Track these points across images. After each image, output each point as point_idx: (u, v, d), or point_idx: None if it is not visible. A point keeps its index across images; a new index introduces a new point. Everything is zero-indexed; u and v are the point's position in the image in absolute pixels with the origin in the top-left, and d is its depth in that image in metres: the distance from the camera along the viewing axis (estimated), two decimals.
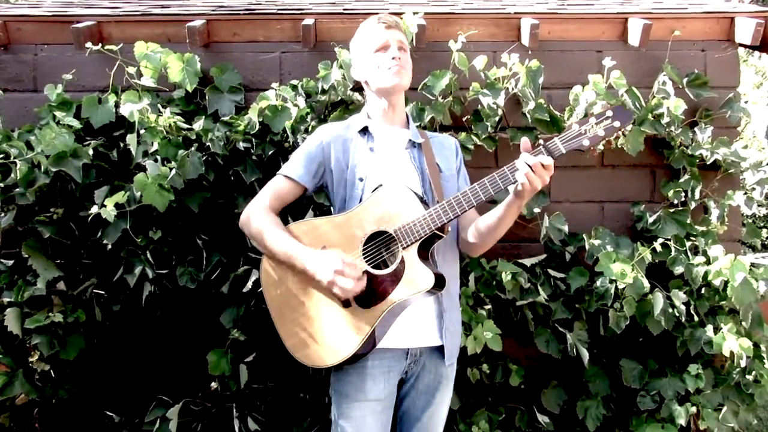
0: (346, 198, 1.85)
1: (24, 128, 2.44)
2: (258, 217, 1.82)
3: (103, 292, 2.50)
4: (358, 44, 1.95)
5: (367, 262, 1.73)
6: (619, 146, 2.58)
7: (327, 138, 1.90)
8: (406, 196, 1.72)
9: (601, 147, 1.64)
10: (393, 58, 1.84)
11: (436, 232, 1.70)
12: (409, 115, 2.02)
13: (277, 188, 1.88)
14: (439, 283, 1.70)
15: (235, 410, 2.51)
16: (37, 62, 2.73)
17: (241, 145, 2.48)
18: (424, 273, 1.67)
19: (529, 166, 1.60)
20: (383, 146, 1.88)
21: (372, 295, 1.72)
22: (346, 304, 1.74)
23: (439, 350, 1.82)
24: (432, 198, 1.81)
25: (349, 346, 1.72)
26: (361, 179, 1.83)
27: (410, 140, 1.91)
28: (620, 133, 2.51)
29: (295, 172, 1.87)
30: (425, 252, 1.73)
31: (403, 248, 1.70)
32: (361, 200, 1.80)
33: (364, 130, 1.90)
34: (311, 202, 2.47)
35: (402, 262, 1.70)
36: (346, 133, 1.92)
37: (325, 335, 1.76)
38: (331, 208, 1.94)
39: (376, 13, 2.73)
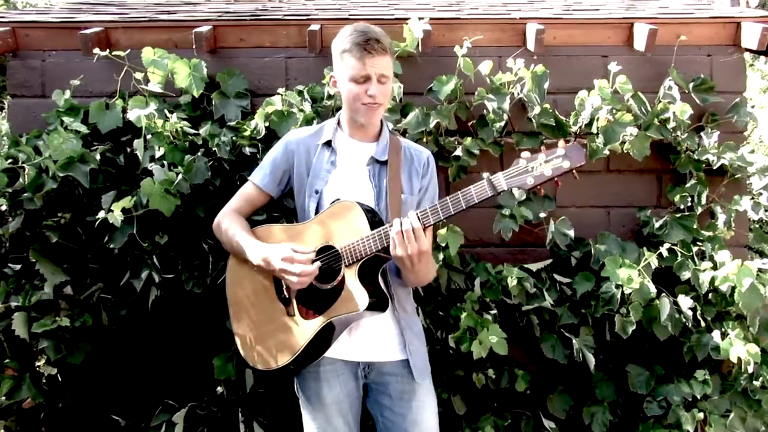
0: (304, 208, 1.89)
1: (32, 133, 2.46)
2: (225, 219, 1.94)
3: (109, 297, 2.51)
4: (336, 56, 1.83)
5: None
6: (625, 151, 2.58)
7: (292, 145, 1.94)
8: (356, 214, 1.72)
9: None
10: (370, 95, 1.77)
11: (380, 254, 1.70)
12: (384, 125, 1.96)
13: (246, 193, 1.98)
14: (378, 305, 1.72)
15: (240, 415, 2.51)
16: (45, 68, 2.75)
17: (248, 150, 2.49)
18: (360, 294, 1.68)
19: (398, 228, 1.60)
20: (345, 161, 1.89)
21: (313, 307, 1.76)
22: (289, 312, 1.80)
23: (404, 363, 1.83)
24: (386, 217, 1.79)
25: (283, 357, 1.79)
26: (317, 192, 1.85)
27: (372, 157, 1.88)
28: (624, 138, 2.54)
29: (260, 179, 1.95)
30: (374, 271, 1.74)
31: (346, 266, 1.72)
32: (317, 212, 1.84)
33: (328, 143, 1.91)
34: None
35: (342, 279, 1.72)
36: (311, 142, 1.93)
37: (267, 341, 1.84)
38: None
39: (381, 19, 2.77)
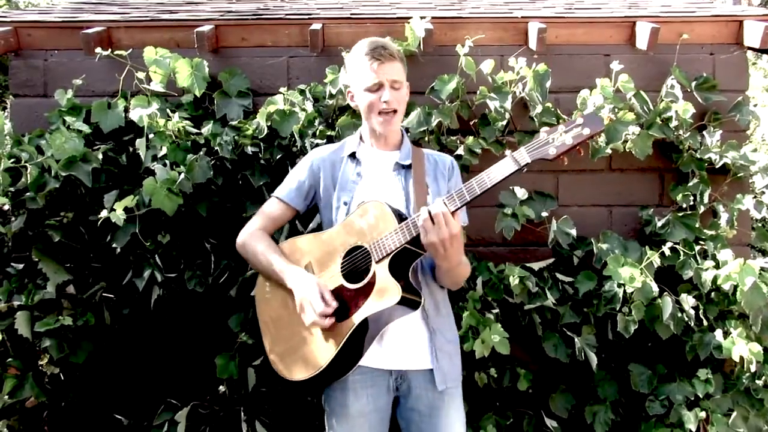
0: (332, 220, 1.90)
1: (34, 133, 2.46)
2: (251, 240, 1.93)
3: (112, 296, 2.51)
4: (351, 69, 1.89)
5: (344, 274, 1.77)
6: (627, 150, 2.57)
7: (317, 162, 1.97)
8: (382, 210, 1.73)
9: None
10: (385, 102, 1.80)
11: (412, 248, 1.70)
12: (404, 134, 2.00)
13: (270, 210, 1.98)
14: (410, 301, 1.69)
15: (242, 413, 2.51)
16: (48, 67, 2.75)
17: (250, 150, 2.49)
18: (393, 286, 1.66)
19: (429, 213, 1.60)
20: (371, 171, 1.91)
21: (346, 308, 1.74)
22: None
23: (431, 373, 1.79)
24: None
25: (320, 361, 1.76)
26: (345, 203, 1.87)
27: (397, 162, 1.91)
28: (626, 137, 2.54)
29: (286, 194, 1.97)
30: (404, 268, 1.73)
31: (376, 262, 1.71)
32: None
33: (353, 155, 1.93)
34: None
35: (373, 276, 1.71)
36: (335, 157, 1.96)
37: (299, 350, 1.81)
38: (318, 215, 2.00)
39: (383, 18, 2.77)
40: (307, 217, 2.43)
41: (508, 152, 1.62)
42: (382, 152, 1.94)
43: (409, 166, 1.89)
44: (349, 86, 1.94)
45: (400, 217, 1.72)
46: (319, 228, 2.14)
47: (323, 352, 1.75)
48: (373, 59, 1.78)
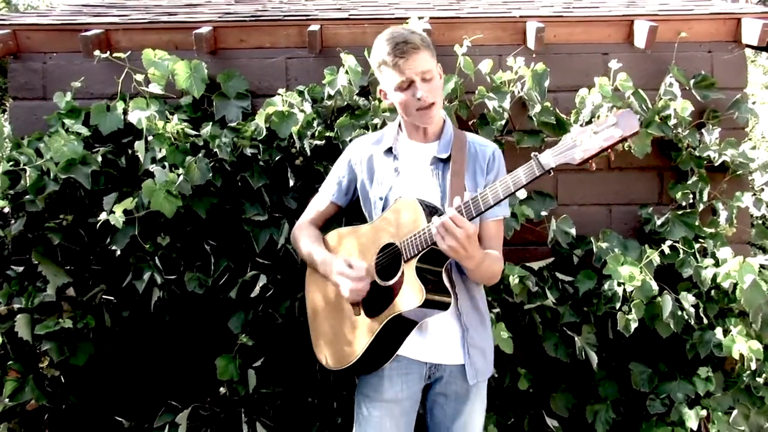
0: (372, 216, 1.91)
1: (33, 136, 2.46)
2: (299, 230, 2.02)
3: (112, 298, 2.51)
4: (376, 71, 1.82)
5: (378, 270, 1.76)
6: (626, 149, 2.57)
7: (355, 157, 1.97)
8: (414, 209, 1.70)
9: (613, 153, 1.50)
10: (419, 99, 1.73)
11: (436, 247, 1.64)
12: (446, 120, 1.93)
13: (317, 205, 2.05)
14: (437, 303, 1.68)
15: (243, 415, 2.51)
16: (46, 70, 2.75)
17: (248, 151, 2.49)
18: (414, 290, 1.65)
19: (439, 221, 1.56)
20: (407, 165, 1.87)
21: (378, 304, 1.74)
22: (356, 312, 1.79)
23: (463, 368, 1.80)
24: None
25: (350, 356, 1.79)
26: (381, 198, 1.86)
27: (434, 156, 1.85)
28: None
29: (329, 192, 2.02)
30: (436, 266, 1.71)
31: (405, 261, 1.70)
32: None
33: (390, 150, 1.90)
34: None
35: (402, 275, 1.70)
36: (373, 151, 1.94)
37: (338, 341, 1.86)
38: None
39: (381, 19, 2.77)
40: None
41: (533, 154, 1.54)
42: (420, 145, 1.89)
43: (446, 160, 1.84)
44: (380, 85, 1.86)
45: (431, 213, 1.69)
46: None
47: (355, 345, 1.79)
48: (396, 57, 1.70)
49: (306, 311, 2.02)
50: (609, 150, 1.46)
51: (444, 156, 1.84)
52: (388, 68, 1.74)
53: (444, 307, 1.70)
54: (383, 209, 1.84)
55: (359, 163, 1.95)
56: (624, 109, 1.47)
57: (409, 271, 1.68)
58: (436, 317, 1.74)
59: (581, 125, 1.53)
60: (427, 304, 1.65)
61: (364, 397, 1.84)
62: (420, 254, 1.66)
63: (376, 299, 1.75)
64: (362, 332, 1.77)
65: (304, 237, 1.98)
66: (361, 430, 1.81)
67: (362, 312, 1.77)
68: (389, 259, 1.76)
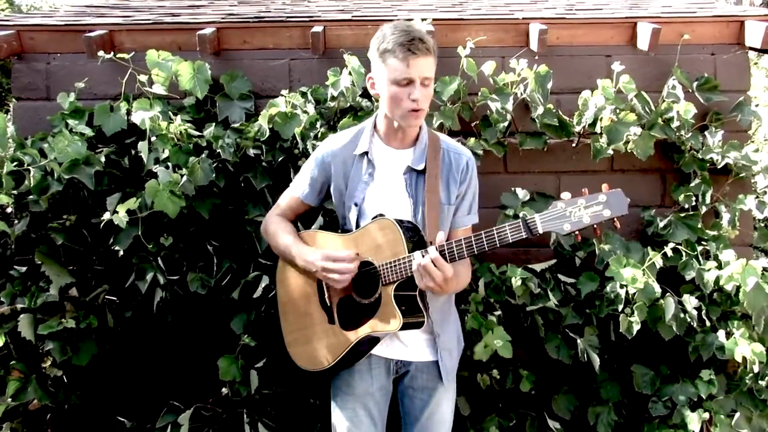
0: (345, 218, 1.91)
1: (37, 136, 2.47)
2: (271, 222, 2.02)
3: (115, 298, 2.52)
4: (377, 56, 1.74)
5: (354, 285, 1.80)
6: (629, 151, 2.57)
7: (328, 157, 1.93)
8: (395, 234, 1.72)
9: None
10: (413, 100, 1.69)
11: None
12: (423, 128, 1.89)
13: (289, 201, 2.04)
14: (412, 325, 1.75)
15: (245, 416, 2.51)
16: (50, 71, 2.76)
17: (252, 152, 2.49)
18: (393, 316, 1.71)
19: (419, 263, 1.63)
20: (382, 172, 1.86)
21: (353, 318, 1.80)
22: (330, 321, 1.85)
23: (434, 364, 1.88)
24: (424, 228, 1.79)
25: (322, 362, 1.87)
26: (355, 204, 1.85)
27: (408, 166, 1.84)
28: (628, 138, 2.53)
29: (300, 190, 2.00)
30: (411, 289, 1.75)
31: (383, 285, 1.74)
32: (357, 225, 1.85)
33: (365, 154, 1.87)
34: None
35: (380, 297, 1.75)
36: (347, 153, 1.89)
37: (309, 343, 1.91)
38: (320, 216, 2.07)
39: (384, 20, 2.76)
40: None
41: (521, 214, 1.61)
42: (395, 151, 1.86)
43: (421, 171, 1.82)
44: (371, 73, 1.81)
45: (412, 238, 1.73)
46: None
47: (328, 353, 1.86)
48: (409, 52, 1.64)
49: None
50: (595, 227, 1.53)
51: (419, 167, 1.82)
52: (394, 59, 1.66)
53: (418, 326, 1.78)
54: (358, 215, 1.85)
55: (333, 164, 1.91)
56: (615, 189, 1.52)
57: (386, 295, 1.74)
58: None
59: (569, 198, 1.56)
60: (403, 327, 1.72)
61: (337, 390, 1.92)
62: (399, 282, 1.72)
63: (351, 311, 1.80)
64: (336, 342, 1.84)
65: (278, 227, 1.97)
66: (338, 422, 1.88)
67: (337, 322, 1.83)
68: (366, 277, 1.79)
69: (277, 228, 1.97)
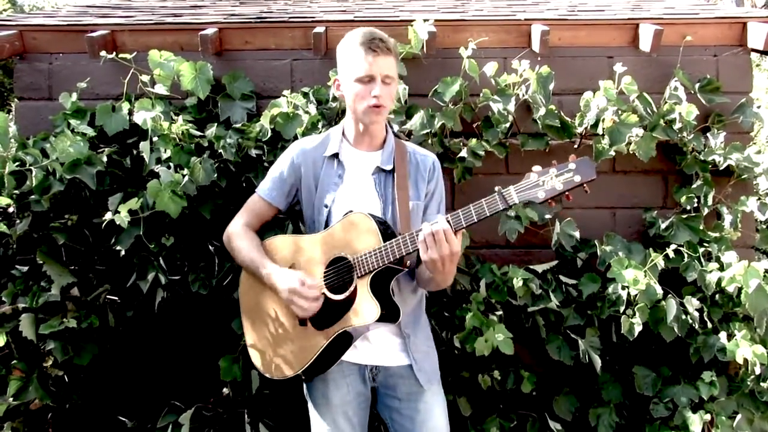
0: (314, 220, 1.90)
1: (39, 136, 2.47)
2: (235, 236, 1.96)
3: (116, 298, 2.52)
4: (342, 58, 1.84)
5: (326, 284, 1.78)
6: (631, 152, 2.57)
7: (298, 159, 1.94)
8: (368, 226, 1.73)
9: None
10: (374, 96, 1.76)
11: (395, 267, 1.72)
12: (389, 130, 1.95)
13: (254, 207, 2.00)
14: (388, 317, 1.72)
15: (246, 416, 2.52)
16: (52, 71, 2.76)
17: (253, 152, 2.49)
18: (370, 306, 1.70)
19: (429, 230, 1.60)
20: (351, 173, 1.89)
21: (326, 317, 1.77)
22: (302, 323, 1.81)
23: (410, 367, 1.85)
24: (395, 226, 1.80)
25: (295, 366, 1.82)
26: (326, 206, 1.86)
27: (378, 167, 1.88)
28: (630, 139, 2.53)
29: (268, 193, 1.97)
30: (385, 283, 1.75)
31: (358, 277, 1.73)
32: (326, 226, 1.85)
33: (335, 156, 1.90)
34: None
35: (354, 290, 1.73)
36: (317, 154, 1.92)
37: (280, 350, 1.86)
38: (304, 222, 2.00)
39: (386, 21, 2.77)
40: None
41: (496, 188, 1.61)
42: (364, 153, 1.91)
43: (390, 171, 1.87)
44: (337, 75, 1.89)
45: (385, 231, 1.72)
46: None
47: (303, 355, 1.80)
48: (369, 50, 1.74)
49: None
50: (567, 194, 1.59)
51: (388, 168, 1.87)
52: (357, 58, 1.76)
53: (394, 319, 1.76)
54: (327, 217, 1.85)
55: (303, 165, 1.93)
56: (582, 157, 1.59)
57: (362, 287, 1.72)
58: (375, 326, 1.79)
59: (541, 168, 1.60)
60: (381, 319, 1.70)
61: (314, 403, 1.89)
62: (375, 271, 1.70)
63: (323, 312, 1.77)
64: (307, 345, 1.80)
65: (243, 241, 1.92)
66: None
67: (309, 324, 1.80)
68: (339, 273, 1.78)
69: (240, 241, 1.92)
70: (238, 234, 1.95)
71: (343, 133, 1.95)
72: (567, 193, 1.59)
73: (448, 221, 1.62)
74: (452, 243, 1.60)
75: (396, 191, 1.83)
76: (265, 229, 2.09)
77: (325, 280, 1.79)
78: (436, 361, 1.95)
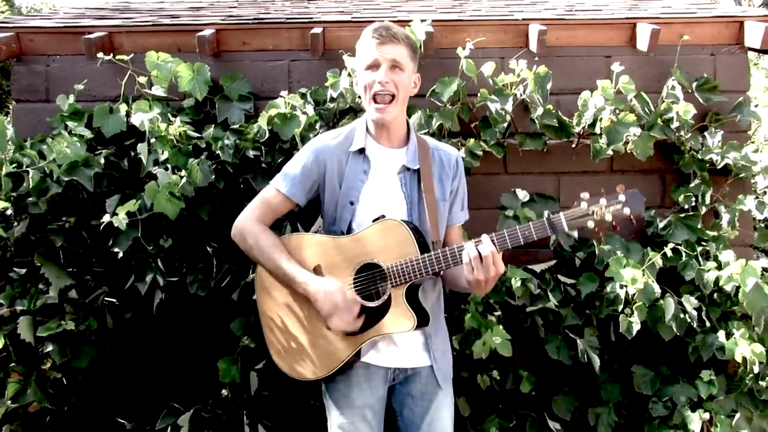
0: (336, 218, 1.85)
1: (36, 138, 2.47)
2: (251, 232, 1.84)
3: (114, 300, 2.51)
4: (357, 51, 1.84)
5: (356, 289, 1.77)
6: (629, 151, 2.57)
7: (323, 154, 1.86)
8: (403, 235, 1.72)
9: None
10: (379, 83, 1.73)
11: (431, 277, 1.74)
12: (410, 127, 1.92)
13: (270, 201, 1.88)
14: (420, 325, 1.73)
15: (245, 417, 2.51)
16: (50, 73, 2.76)
17: (251, 153, 2.49)
18: (407, 315, 1.71)
19: (476, 253, 1.62)
20: (377, 170, 1.85)
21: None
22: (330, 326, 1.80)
23: (429, 369, 1.86)
24: (422, 226, 1.80)
25: (327, 367, 1.80)
26: (351, 203, 1.83)
27: (403, 165, 1.85)
28: (628, 138, 2.54)
29: (289, 188, 1.86)
30: (416, 290, 1.76)
31: (393, 286, 1.73)
32: (350, 224, 1.82)
33: (361, 151, 1.85)
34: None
35: (389, 299, 1.73)
36: (341, 150, 1.87)
37: (308, 351, 1.83)
38: (320, 218, 1.97)
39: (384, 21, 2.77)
40: (308, 218, 2.44)
41: (546, 213, 1.66)
42: (389, 150, 1.86)
43: (415, 170, 1.84)
44: (356, 77, 1.87)
45: (419, 239, 1.72)
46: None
47: (328, 360, 1.80)
48: (375, 38, 1.73)
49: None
50: (615, 224, 1.62)
51: (415, 167, 1.84)
52: (366, 47, 1.76)
53: (424, 326, 1.77)
54: (353, 215, 1.81)
55: (328, 161, 1.85)
56: (632, 189, 1.62)
57: (397, 296, 1.72)
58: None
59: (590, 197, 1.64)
60: (416, 327, 1.72)
61: (335, 403, 1.86)
62: (411, 282, 1.71)
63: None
64: (333, 349, 1.79)
65: (261, 237, 1.82)
66: None
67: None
68: (370, 279, 1.77)
69: (258, 238, 1.82)
70: (255, 231, 1.83)
71: (367, 128, 1.89)
72: (615, 224, 1.62)
73: (493, 241, 1.63)
74: (498, 265, 1.62)
75: (423, 194, 1.82)
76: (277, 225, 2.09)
77: (354, 286, 1.77)
78: (451, 360, 1.96)
